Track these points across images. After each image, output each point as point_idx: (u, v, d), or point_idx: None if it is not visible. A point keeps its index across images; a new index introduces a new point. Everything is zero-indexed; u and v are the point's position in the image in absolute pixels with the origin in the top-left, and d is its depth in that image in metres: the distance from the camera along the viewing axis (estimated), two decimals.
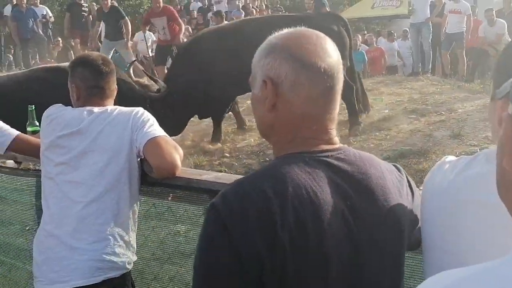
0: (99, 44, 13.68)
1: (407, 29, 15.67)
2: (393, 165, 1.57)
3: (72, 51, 15.00)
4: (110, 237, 2.61)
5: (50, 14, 15.06)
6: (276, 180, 1.33)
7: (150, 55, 15.48)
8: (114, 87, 2.82)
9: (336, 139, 1.47)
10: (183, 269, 2.82)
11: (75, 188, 2.63)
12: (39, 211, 3.28)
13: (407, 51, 16.19)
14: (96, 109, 2.70)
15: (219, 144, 8.62)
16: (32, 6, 15.30)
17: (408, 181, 1.56)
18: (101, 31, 13.95)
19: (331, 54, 1.44)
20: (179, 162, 2.61)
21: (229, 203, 1.30)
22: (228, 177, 2.58)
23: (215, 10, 19.36)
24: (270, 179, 1.34)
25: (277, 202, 1.28)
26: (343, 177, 1.40)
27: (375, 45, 16.77)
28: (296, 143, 1.43)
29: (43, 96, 5.17)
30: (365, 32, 21.54)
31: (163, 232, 2.90)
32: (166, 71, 10.82)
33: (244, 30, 8.30)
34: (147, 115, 2.71)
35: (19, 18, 14.73)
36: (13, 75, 6.72)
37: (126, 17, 12.90)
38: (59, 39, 15.97)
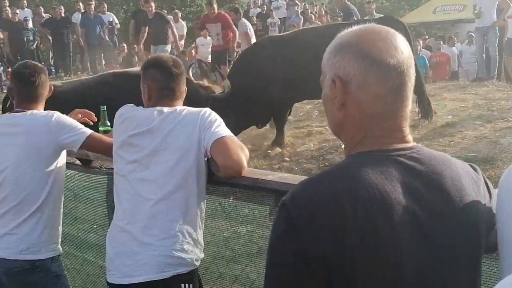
0: (141, 48, 13.92)
1: (473, 34, 15.32)
2: (469, 165, 1.52)
3: (136, 57, 15.34)
4: (179, 234, 2.68)
5: (116, 21, 15.49)
6: (347, 179, 1.31)
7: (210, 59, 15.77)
8: (183, 88, 2.90)
9: (410, 137, 1.43)
10: (248, 268, 2.85)
11: (147, 186, 2.72)
12: (109, 207, 3.41)
13: (471, 56, 15.81)
14: (166, 109, 2.78)
15: (278, 149, 8.66)
16: (99, 14, 15.79)
17: (486, 182, 1.52)
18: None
19: (402, 49, 1.40)
20: (245, 162, 2.66)
21: (298, 202, 1.30)
22: (294, 178, 2.61)
23: (274, 16, 19.54)
24: (341, 178, 1.32)
25: (347, 202, 1.26)
26: (416, 177, 1.36)
27: (441, 50, 16.38)
28: (367, 142, 1.41)
29: (112, 100, 5.35)
30: (426, 36, 21.17)
31: (228, 231, 2.95)
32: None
33: (301, 38, 8.46)
34: (215, 115, 2.77)
35: (87, 25, 15.26)
36: (84, 80, 6.96)
37: (171, 22, 13.12)
38: (124, 45, 16.37)
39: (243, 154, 2.68)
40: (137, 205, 2.73)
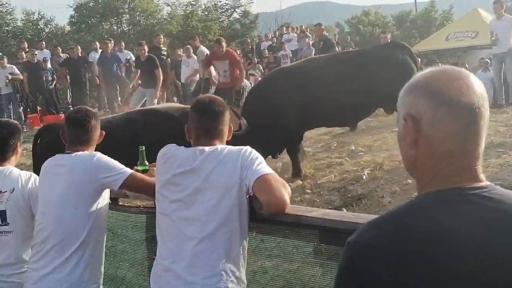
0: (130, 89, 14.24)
1: (488, 60, 15.33)
2: None
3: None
4: (223, 272, 2.70)
5: (134, 58, 15.63)
6: (411, 217, 1.34)
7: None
8: (222, 127, 2.94)
9: (482, 176, 1.43)
10: None
11: (190, 225, 2.76)
12: (148, 246, 3.44)
13: (487, 82, 15.77)
14: (207, 148, 2.83)
15: (299, 181, 8.66)
16: (117, 52, 16.03)
17: None
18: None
19: (474, 89, 1.41)
20: (288, 199, 2.69)
21: (360, 243, 1.34)
22: (337, 214, 2.65)
23: (286, 48, 19.73)
24: (405, 216, 1.35)
25: (407, 239, 1.28)
26: (490, 216, 1.33)
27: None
28: (437, 181, 1.41)
29: (139, 136, 5.44)
30: (439, 64, 21.21)
31: (272, 269, 2.95)
32: None
33: (309, 67, 8.57)
34: (255, 153, 2.81)
35: (105, 64, 15.46)
36: (111, 118, 7.03)
37: (159, 68, 13.30)
38: (140, 81, 16.52)
39: (285, 191, 2.71)
40: (181, 244, 2.76)
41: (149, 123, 6.33)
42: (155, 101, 13.33)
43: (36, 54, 16.23)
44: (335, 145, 10.27)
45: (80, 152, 3.30)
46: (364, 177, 8.16)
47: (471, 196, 1.37)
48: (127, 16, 31.37)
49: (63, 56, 17.84)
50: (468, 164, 1.42)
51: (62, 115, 14.73)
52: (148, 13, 30.31)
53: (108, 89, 15.70)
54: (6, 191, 3.49)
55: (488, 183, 1.43)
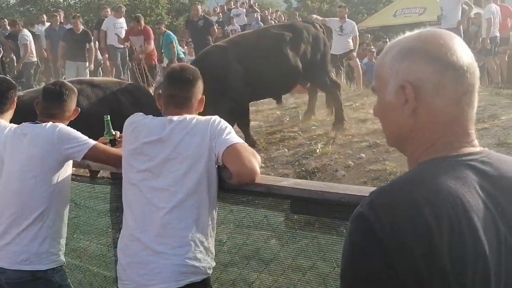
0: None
1: None
2: None
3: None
4: (192, 243, 2.68)
5: None
6: (426, 187, 1.27)
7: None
8: (192, 96, 2.88)
9: (476, 141, 1.40)
10: (263, 275, 2.86)
11: (158, 195, 2.71)
12: (113, 217, 3.40)
13: None
14: (175, 118, 2.78)
15: None
16: (63, 25, 15.65)
17: None
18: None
19: (467, 51, 1.38)
20: (258, 169, 2.68)
21: (379, 213, 1.25)
22: (307, 183, 2.64)
23: (235, 23, 19.65)
24: (419, 187, 1.28)
25: (431, 212, 1.22)
26: (491, 182, 1.31)
27: None
28: (438, 148, 1.38)
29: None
30: (387, 40, 21.43)
31: (241, 238, 2.94)
32: None
33: (243, 43, 8.77)
34: (224, 123, 2.78)
35: (52, 37, 15.17)
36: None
37: (92, 42, 13.62)
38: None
39: (255, 161, 2.70)
40: (149, 214, 2.72)
41: (92, 95, 6.26)
42: (87, 73, 13.51)
43: None
44: (287, 119, 10.31)
45: (44, 123, 3.24)
46: (317, 151, 8.22)
47: (473, 161, 1.35)
48: None
49: (10, 29, 17.24)
50: (466, 128, 1.39)
51: None
52: None
53: (55, 63, 15.30)
54: None
55: (482, 148, 1.41)
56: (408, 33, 1.45)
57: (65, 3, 30.12)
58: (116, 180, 3.41)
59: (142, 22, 13.12)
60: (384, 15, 24.92)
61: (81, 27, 13.76)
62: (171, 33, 14.61)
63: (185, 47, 17.05)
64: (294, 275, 2.71)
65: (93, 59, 13.78)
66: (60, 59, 14.18)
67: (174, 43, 14.21)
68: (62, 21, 16.34)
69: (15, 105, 3.81)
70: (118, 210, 3.43)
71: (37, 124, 3.24)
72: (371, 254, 1.24)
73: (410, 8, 23.08)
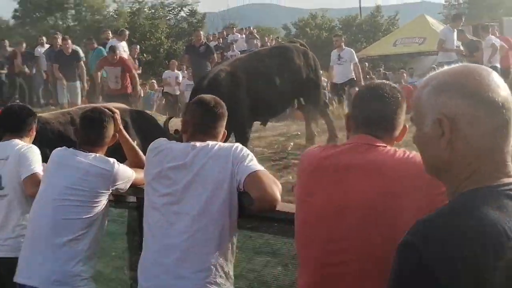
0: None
1: (435, 67, 15.75)
2: None
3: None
4: (213, 267, 2.70)
5: (82, 54, 15.33)
6: (469, 217, 1.31)
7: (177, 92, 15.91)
8: (219, 129, 2.96)
9: None
10: None
11: (181, 219, 2.75)
12: (130, 241, 3.44)
13: None
14: (198, 144, 2.83)
15: None
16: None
17: None
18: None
19: (502, 87, 1.44)
20: (279, 196, 2.71)
21: (430, 245, 1.28)
22: None
23: (234, 49, 19.80)
24: (465, 218, 1.32)
25: (479, 243, 1.26)
26: None
27: (403, 82, 16.75)
28: (476, 178, 1.42)
29: None
30: (382, 69, 21.59)
31: (259, 264, 2.96)
32: None
33: (245, 65, 8.77)
34: (246, 150, 2.82)
35: (53, 58, 15.01)
36: (66, 111, 6.92)
37: (82, 61, 13.45)
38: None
39: (276, 188, 2.73)
40: (171, 238, 2.75)
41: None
42: (78, 91, 13.60)
43: None
44: (291, 145, 10.33)
45: (99, 155, 3.33)
46: None
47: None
48: (73, 11, 30.79)
49: (9, 50, 17.30)
50: (504, 160, 1.44)
51: None
52: (95, 9, 29.85)
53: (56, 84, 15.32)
54: (3, 159, 3.68)
55: None
56: (445, 68, 1.52)
57: (64, 25, 30.29)
58: (132, 203, 3.45)
59: (118, 52, 12.48)
60: (384, 44, 25.16)
61: (71, 48, 13.73)
62: (103, 49, 14.47)
63: (185, 71, 17.16)
64: None
65: (85, 78, 13.66)
66: (60, 79, 14.04)
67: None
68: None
69: (34, 132, 3.94)
70: (135, 234, 3.46)
71: (92, 155, 3.30)
72: (422, 285, 1.27)
73: (410, 37, 23.31)
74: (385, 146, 2.23)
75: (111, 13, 30.71)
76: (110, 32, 16.41)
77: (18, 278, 3.23)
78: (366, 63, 22.08)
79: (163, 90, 17.30)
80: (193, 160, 2.78)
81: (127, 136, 3.63)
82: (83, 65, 13.57)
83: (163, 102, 17.04)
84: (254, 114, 8.76)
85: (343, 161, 2.23)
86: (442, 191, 1.90)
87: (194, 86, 9.22)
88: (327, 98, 13.14)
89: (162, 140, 2.97)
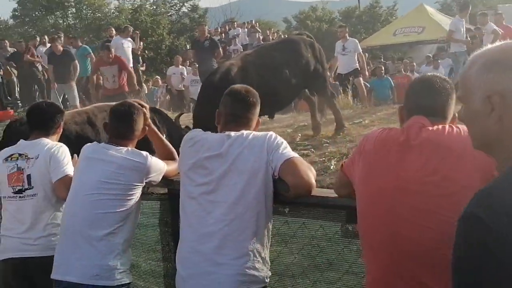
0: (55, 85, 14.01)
1: (430, 55, 15.87)
2: None
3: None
4: (251, 253, 2.79)
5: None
6: None
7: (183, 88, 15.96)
8: (252, 117, 3.04)
9: None
10: (318, 284, 2.97)
11: (218, 207, 2.83)
12: (162, 232, 3.52)
13: None
14: (233, 133, 2.91)
15: None
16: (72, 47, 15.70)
17: None
18: None
19: None
20: (314, 181, 2.81)
21: (496, 215, 1.32)
22: None
23: (236, 43, 19.86)
24: None
25: None
26: None
27: (403, 72, 16.84)
28: None
29: None
30: (382, 59, 21.67)
31: (296, 249, 3.05)
32: None
33: (254, 59, 8.83)
34: (280, 139, 2.91)
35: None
36: (81, 110, 6.98)
37: (76, 60, 13.20)
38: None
39: (311, 174, 2.83)
40: (209, 226, 2.83)
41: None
42: (75, 93, 13.47)
43: None
44: (299, 136, 10.42)
45: (131, 148, 3.36)
46: (331, 167, 8.33)
47: None
48: (73, 9, 30.73)
49: (11, 50, 17.32)
50: None
51: (11, 111, 14.35)
52: (95, 6, 29.78)
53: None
54: (32, 158, 3.69)
55: None
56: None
57: (64, 24, 30.21)
58: (164, 195, 3.53)
59: (113, 50, 12.38)
60: (383, 34, 25.26)
61: (61, 48, 13.59)
62: (87, 47, 14.50)
63: (189, 67, 17.23)
64: (350, 281, 2.82)
65: (76, 75, 13.48)
66: (52, 81, 14.08)
67: (91, 55, 14.15)
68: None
69: (61, 130, 3.97)
70: (166, 225, 3.55)
71: (124, 149, 3.33)
72: (498, 259, 1.30)
73: (409, 27, 23.45)
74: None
75: (112, 11, 30.64)
76: (113, 29, 16.46)
77: (55, 275, 3.25)
78: (366, 54, 22.14)
79: (167, 86, 17.37)
80: (228, 150, 2.86)
81: (156, 129, 3.67)
82: (77, 64, 13.40)
83: (167, 98, 17.11)
84: (263, 107, 8.84)
85: (402, 141, 2.36)
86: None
87: (204, 81, 9.22)
88: (339, 89, 13.29)
89: (197, 131, 3.05)
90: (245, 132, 2.93)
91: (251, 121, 3.02)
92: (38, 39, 17.24)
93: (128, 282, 3.28)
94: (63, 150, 3.71)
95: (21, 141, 3.80)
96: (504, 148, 1.53)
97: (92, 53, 14.58)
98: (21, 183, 3.65)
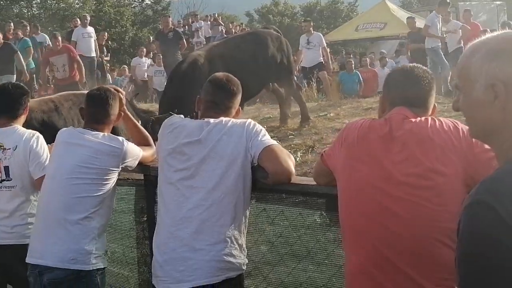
0: None
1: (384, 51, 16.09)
2: None
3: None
4: (228, 239, 2.78)
5: (49, 42, 15.07)
6: None
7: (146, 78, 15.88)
8: (231, 105, 3.02)
9: None
10: (295, 271, 2.97)
11: (196, 193, 2.82)
12: (136, 218, 3.49)
13: None
14: (212, 120, 2.90)
15: None
16: (33, 35, 15.36)
17: None
18: None
19: None
20: (293, 169, 2.82)
21: (504, 201, 1.31)
22: None
23: (200, 35, 19.80)
24: None
25: None
26: None
27: (369, 66, 17.01)
28: None
29: None
30: (344, 55, 21.87)
31: (274, 236, 3.06)
32: None
33: (221, 50, 8.90)
34: (259, 126, 2.91)
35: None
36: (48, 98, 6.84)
37: (18, 52, 12.57)
38: None
39: (291, 161, 2.84)
40: (186, 211, 2.81)
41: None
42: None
43: None
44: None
45: (107, 134, 3.34)
46: (297, 159, 8.36)
47: None
48: None
49: None
50: None
51: None
52: None
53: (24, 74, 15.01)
54: (9, 148, 3.61)
55: None
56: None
57: (29, 13, 29.65)
58: (140, 181, 3.51)
59: (60, 38, 12.08)
60: (345, 30, 25.45)
61: (1, 41, 12.61)
62: (28, 39, 14.02)
63: (151, 59, 17.15)
64: (328, 271, 2.83)
65: (25, 69, 12.69)
66: None
67: (31, 48, 13.72)
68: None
69: (27, 112, 3.87)
70: (142, 211, 3.52)
71: (101, 134, 3.31)
72: (507, 245, 1.29)
73: (371, 23, 23.63)
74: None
75: (76, 1, 30.14)
76: (78, 20, 16.20)
77: (30, 259, 3.22)
78: (328, 48, 22.29)
79: (131, 76, 17.26)
80: (207, 136, 2.85)
81: (130, 115, 3.65)
82: (20, 56, 12.60)
83: (132, 87, 16.99)
84: None
85: (385, 132, 2.38)
86: (483, 150, 2.08)
87: (172, 70, 9.15)
88: (303, 82, 13.39)
89: (176, 117, 3.03)
90: (224, 119, 2.92)
91: (230, 109, 3.02)
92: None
93: (103, 267, 3.27)
94: (41, 142, 3.65)
95: None
96: (505, 138, 1.52)
97: (31, 47, 14.11)
98: None
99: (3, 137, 3.63)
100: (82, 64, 12.50)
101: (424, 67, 2.59)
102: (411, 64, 2.67)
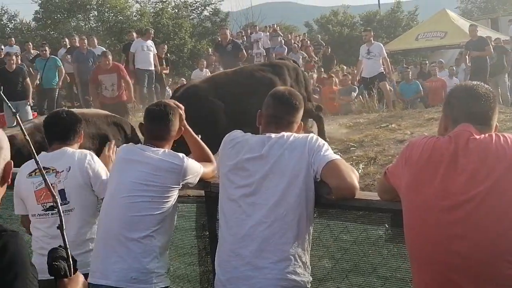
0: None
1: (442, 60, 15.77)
2: None
3: None
4: (292, 257, 2.72)
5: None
6: None
7: None
8: (293, 120, 2.99)
9: None
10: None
11: (258, 210, 2.77)
12: (198, 236, 3.46)
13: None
14: (273, 135, 2.86)
15: None
16: (90, 48, 15.63)
17: None
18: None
19: None
20: (357, 184, 2.75)
21: None
22: None
23: (260, 47, 19.87)
24: None
25: None
26: None
27: (437, 76, 16.63)
28: None
29: None
30: (405, 65, 21.58)
31: (338, 253, 2.99)
32: None
33: (231, 81, 8.63)
34: (322, 140, 2.85)
35: (80, 60, 15.01)
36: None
37: (28, 78, 12.55)
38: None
39: (354, 176, 2.77)
40: (248, 229, 2.77)
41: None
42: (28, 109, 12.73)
43: (2, 49, 15.78)
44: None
45: (167, 150, 3.29)
46: (359, 171, 8.24)
47: None
48: (95, 12, 30.84)
49: (34, 52, 17.38)
50: None
51: (35, 113, 14.31)
52: (117, 9, 29.83)
53: (83, 86, 15.28)
54: (63, 171, 3.52)
55: None
56: None
57: (86, 27, 30.31)
58: (201, 198, 3.48)
59: (110, 57, 11.91)
60: (406, 39, 25.09)
61: (14, 66, 12.66)
62: (57, 58, 14.11)
63: (205, 68, 17.18)
64: (395, 286, 2.75)
65: (30, 94, 12.78)
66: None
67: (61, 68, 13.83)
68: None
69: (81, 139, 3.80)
70: (203, 228, 3.49)
71: (161, 151, 3.26)
72: None
73: (432, 32, 23.26)
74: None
75: (134, 14, 30.67)
76: (134, 33, 16.48)
77: (91, 279, 3.13)
78: (388, 58, 22.06)
79: None
80: (269, 152, 2.81)
81: (191, 130, 3.58)
82: (29, 82, 12.67)
83: None
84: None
85: (450, 152, 2.33)
86: None
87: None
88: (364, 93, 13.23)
89: (237, 132, 3.00)
90: (285, 134, 2.88)
91: (292, 123, 2.98)
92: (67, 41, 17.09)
93: (165, 286, 3.21)
94: (97, 160, 3.60)
95: (42, 154, 3.57)
96: None
97: (62, 66, 14.32)
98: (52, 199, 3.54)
99: (53, 161, 3.55)
100: (131, 84, 12.42)
101: (486, 86, 2.56)
102: (473, 82, 2.61)
